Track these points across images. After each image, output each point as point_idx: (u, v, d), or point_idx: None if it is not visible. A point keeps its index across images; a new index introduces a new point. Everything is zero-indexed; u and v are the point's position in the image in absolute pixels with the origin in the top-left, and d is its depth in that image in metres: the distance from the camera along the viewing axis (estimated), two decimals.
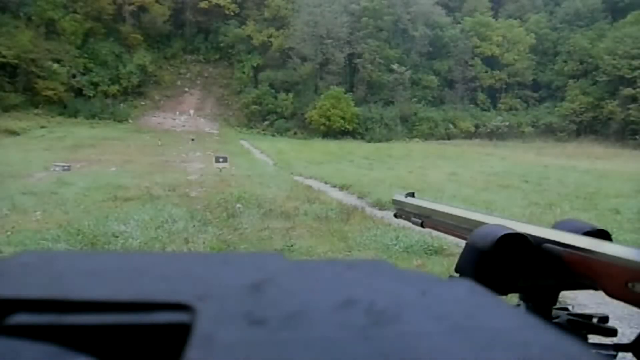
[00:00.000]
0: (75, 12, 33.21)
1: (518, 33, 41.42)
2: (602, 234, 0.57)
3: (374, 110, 36.26)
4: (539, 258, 0.56)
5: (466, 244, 0.58)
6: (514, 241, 0.55)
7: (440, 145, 28.96)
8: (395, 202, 0.99)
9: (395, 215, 1.01)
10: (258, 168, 14.59)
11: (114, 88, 33.34)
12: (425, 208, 0.87)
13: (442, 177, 12.92)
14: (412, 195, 0.96)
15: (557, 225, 0.60)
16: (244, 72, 38.14)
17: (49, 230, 5.65)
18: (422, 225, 0.88)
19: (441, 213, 0.81)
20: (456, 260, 0.58)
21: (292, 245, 5.41)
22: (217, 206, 7.54)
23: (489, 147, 28.91)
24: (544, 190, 10.56)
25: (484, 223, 0.62)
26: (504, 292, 0.56)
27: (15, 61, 28.58)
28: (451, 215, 0.77)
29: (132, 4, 35.52)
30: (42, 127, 25.85)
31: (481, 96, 40.86)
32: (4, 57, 28.07)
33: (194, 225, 6.18)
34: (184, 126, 32.19)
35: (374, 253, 5.20)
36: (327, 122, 33.59)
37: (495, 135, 36.46)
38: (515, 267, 0.56)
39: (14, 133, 23.20)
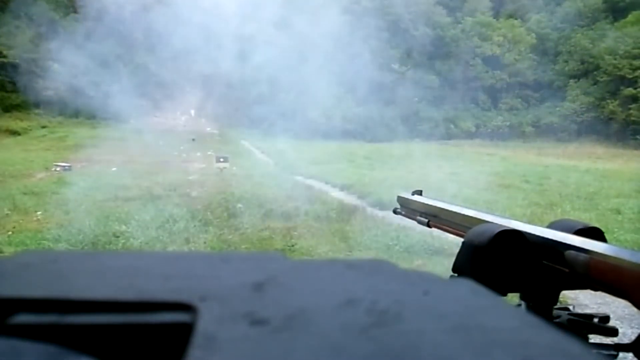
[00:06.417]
0: (75, 12, 33.22)
1: (519, 33, 41.39)
2: (595, 232, 0.58)
3: (374, 110, 36.23)
4: (536, 256, 0.56)
5: (462, 242, 0.58)
6: (511, 238, 0.55)
7: (441, 145, 28.92)
8: (400, 199, 0.93)
9: (395, 212, 0.96)
10: (259, 168, 14.59)
11: (115, 88, 33.34)
12: (432, 206, 0.82)
13: (443, 177, 12.89)
14: (419, 193, 0.90)
15: (552, 225, 0.60)
16: None
17: (49, 230, 5.66)
18: (428, 225, 0.83)
19: (451, 212, 0.77)
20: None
21: (293, 245, 5.41)
22: (218, 206, 7.54)
23: (490, 147, 28.88)
24: (545, 190, 10.54)
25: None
26: (504, 292, 0.56)
27: (17, 61, 28.62)
28: (462, 215, 0.73)
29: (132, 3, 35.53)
30: (43, 127, 25.89)
31: (482, 96, 40.81)
32: (4, 57, 28.10)
33: (194, 225, 6.18)
34: (184, 126, 32.17)
35: (374, 253, 5.20)
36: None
37: (496, 135, 36.41)
38: (511, 264, 0.56)
39: (15, 133, 23.26)
